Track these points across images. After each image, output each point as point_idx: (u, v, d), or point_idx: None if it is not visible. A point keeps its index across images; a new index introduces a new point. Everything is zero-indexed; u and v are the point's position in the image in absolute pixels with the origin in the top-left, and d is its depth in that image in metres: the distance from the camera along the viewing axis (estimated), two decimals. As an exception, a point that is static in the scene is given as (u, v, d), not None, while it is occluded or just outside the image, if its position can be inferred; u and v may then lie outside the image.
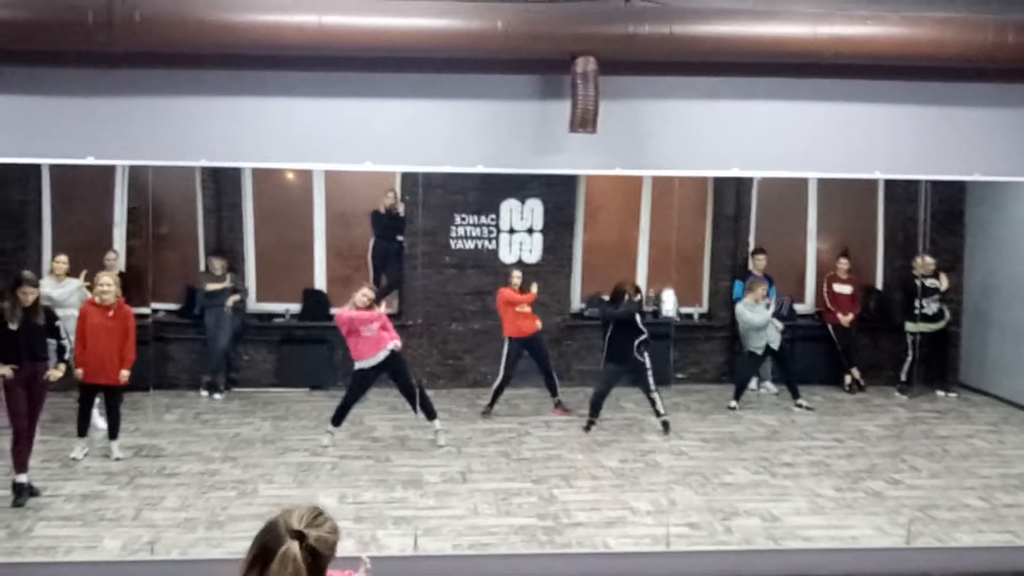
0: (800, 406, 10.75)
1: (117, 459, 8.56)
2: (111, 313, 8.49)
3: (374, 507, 7.59)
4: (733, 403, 10.74)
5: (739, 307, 10.94)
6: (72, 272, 9.67)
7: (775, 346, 10.84)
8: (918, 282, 11.22)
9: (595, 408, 9.84)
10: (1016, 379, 11.03)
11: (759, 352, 10.81)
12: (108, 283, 8.56)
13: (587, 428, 9.77)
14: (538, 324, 10.54)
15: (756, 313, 10.73)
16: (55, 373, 7.89)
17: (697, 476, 8.44)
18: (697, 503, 7.79)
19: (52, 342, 7.91)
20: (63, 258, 9.78)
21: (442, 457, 8.91)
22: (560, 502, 7.77)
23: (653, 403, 9.76)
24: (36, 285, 7.83)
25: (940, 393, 11.42)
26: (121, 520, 7.24)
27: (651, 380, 9.70)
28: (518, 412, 10.50)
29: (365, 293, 9.16)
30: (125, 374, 8.54)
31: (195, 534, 7.00)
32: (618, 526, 7.30)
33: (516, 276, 10.50)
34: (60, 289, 9.44)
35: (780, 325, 10.90)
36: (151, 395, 10.10)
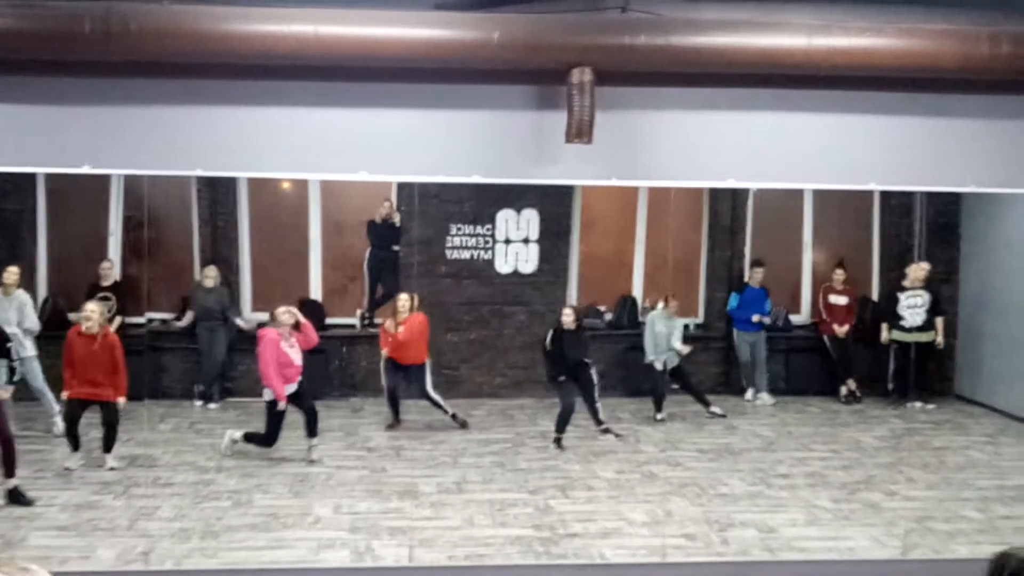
0: (714, 414, 10.75)
1: (112, 469, 8.53)
2: (96, 345, 8.42)
3: (369, 517, 7.56)
4: (659, 415, 10.63)
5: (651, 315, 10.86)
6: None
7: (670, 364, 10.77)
8: (900, 294, 11.30)
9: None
10: (1012, 390, 11.03)
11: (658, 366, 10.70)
12: (92, 310, 8.48)
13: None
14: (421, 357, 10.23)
15: (659, 322, 10.70)
16: (1, 394, 7.83)
17: (693, 487, 8.43)
18: (693, 514, 7.77)
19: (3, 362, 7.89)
20: (14, 269, 9.56)
21: (438, 468, 8.89)
22: (556, 513, 7.75)
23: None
24: None
25: (917, 404, 11.41)
26: (115, 530, 7.21)
27: None
28: (514, 423, 10.48)
29: (288, 310, 9.01)
30: (122, 402, 8.53)
31: (189, 544, 6.97)
32: (614, 537, 7.28)
33: (401, 300, 10.19)
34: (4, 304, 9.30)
35: (682, 348, 10.76)
36: (145, 405, 10.08)
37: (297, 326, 9.00)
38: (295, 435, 9.28)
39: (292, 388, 8.91)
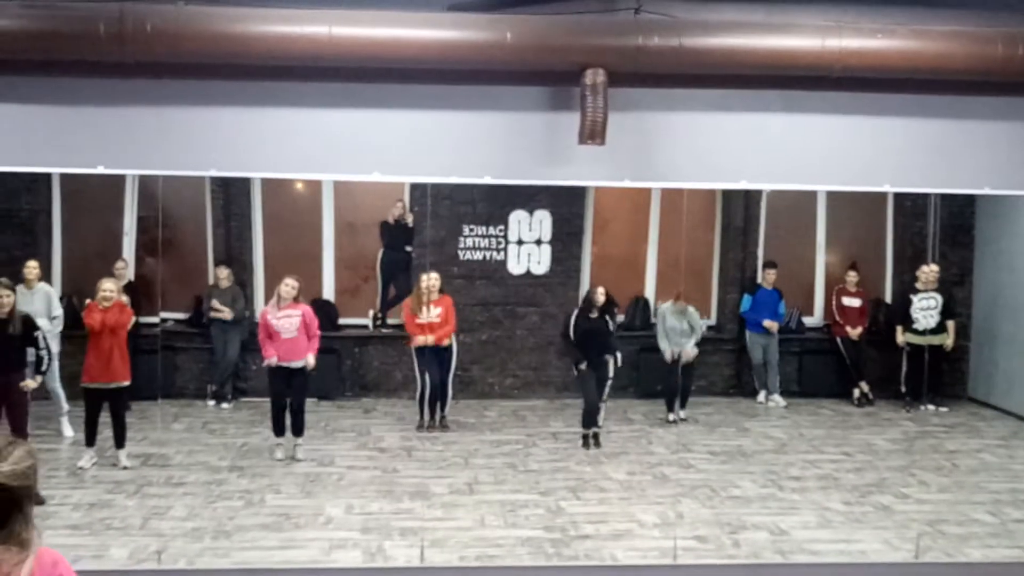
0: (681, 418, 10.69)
1: (124, 468, 8.57)
2: (112, 312, 8.47)
3: (381, 518, 7.58)
4: (671, 416, 10.60)
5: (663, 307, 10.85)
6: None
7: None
8: (913, 296, 11.27)
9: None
10: (1026, 393, 10.99)
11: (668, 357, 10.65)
12: (110, 288, 8.54)
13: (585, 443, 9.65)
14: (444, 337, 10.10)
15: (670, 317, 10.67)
16: (29, 384, 7.89)
17: (705, 489, 8.42)
18: (705, 516, 7.76)
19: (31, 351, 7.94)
20: (33, 264, 9.64)
21: (449, 468, 8.90)
22: (567, 514, 7.75)
23: None
24: (12, 289, 7.87)
25: (930, 407, 11.34)
26: (128, 529, 7.24)
27: None
28: (525, 424, 10.48)
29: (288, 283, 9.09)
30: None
31: (202, 543, 7.00)
32: (625, 539, 7.28)
33: (423, 279, 10.18)
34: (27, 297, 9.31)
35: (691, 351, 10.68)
36: (159, 404, 10.12)
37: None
38: (307, 435, 9.30)
39: (286, 363, 8.96)
